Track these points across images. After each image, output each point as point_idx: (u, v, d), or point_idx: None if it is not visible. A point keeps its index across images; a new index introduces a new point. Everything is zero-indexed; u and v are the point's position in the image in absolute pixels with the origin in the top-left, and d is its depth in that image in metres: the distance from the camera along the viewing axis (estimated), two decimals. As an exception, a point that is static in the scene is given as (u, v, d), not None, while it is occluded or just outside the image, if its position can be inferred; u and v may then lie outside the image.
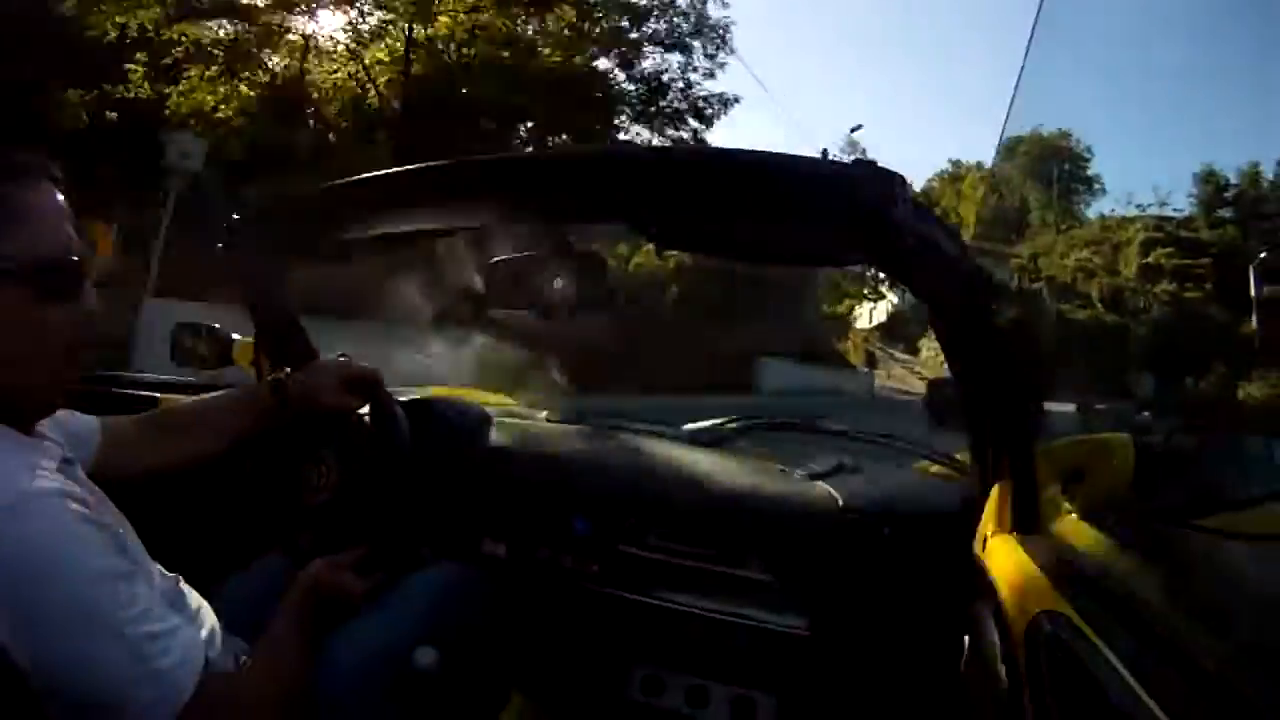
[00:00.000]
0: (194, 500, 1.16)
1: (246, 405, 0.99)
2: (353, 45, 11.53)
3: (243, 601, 0.90)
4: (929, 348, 28.91)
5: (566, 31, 13.12)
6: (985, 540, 0.87)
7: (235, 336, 1.41)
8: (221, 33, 10.70)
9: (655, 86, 15.14)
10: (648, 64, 15.00)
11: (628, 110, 15.08)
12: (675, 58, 15.09)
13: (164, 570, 0.78)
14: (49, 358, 0.66)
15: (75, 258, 0.67)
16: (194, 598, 0.83)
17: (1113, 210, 36.28)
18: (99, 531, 0.62)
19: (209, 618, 0.82)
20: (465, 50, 12.11)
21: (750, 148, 0.69)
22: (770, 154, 0.67)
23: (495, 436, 1.24)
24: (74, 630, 0.58)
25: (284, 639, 0.81)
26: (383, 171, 0.89)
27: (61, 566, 0.58)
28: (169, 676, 0.61)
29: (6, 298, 0.61)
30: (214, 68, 10.21)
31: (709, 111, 15.42)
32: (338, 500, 0.98)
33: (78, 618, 0.58)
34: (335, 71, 11.93)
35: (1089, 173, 39.33)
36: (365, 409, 1.08)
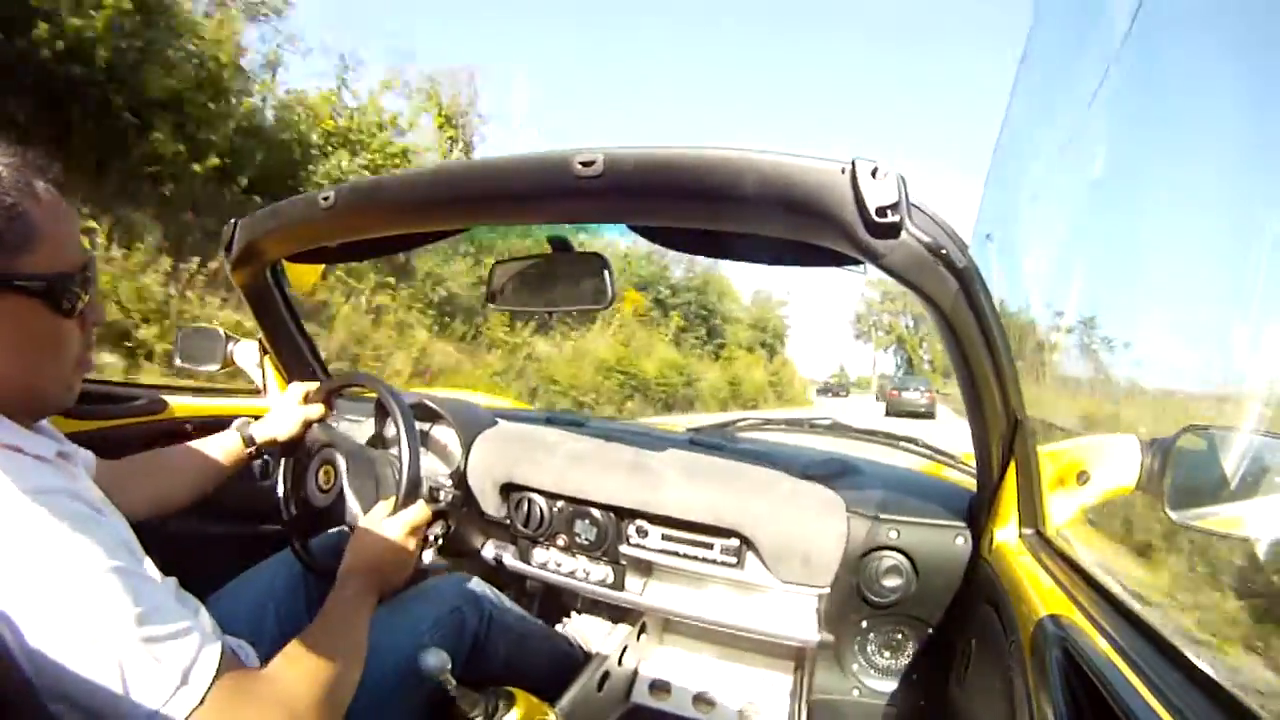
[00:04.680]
0: (193, 507, 1.16)
1: (220, 453, 1.05)
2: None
3: (239, 607, 0.90)
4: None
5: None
6: (991, 542, 0.87)
7: (237, 339, 1.42)
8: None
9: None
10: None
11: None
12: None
13: (161, 573, 0.77)
14: (62, 365, 0.69)
15: (86, 270, 0.69)
16: (191, 600, 0.82)
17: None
18: (103, 529, 0.61)
19: (207, 620, 0.82)
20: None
21: (753, 149, 0.69)
22: (773, 155, 0.67)
23: (499, 439, 1.24)
24: (84, 631, 0.56)
25: (334, 634, 0.77)
26: (383, 175, 0.90)
27: (70, 565, 0.56)
28: (185, 675, 0.60)
29: (29, 311, 0.64)
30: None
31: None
32: (342, 501, 0.98)
33: (88, 618, 0.56)
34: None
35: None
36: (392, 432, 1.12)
